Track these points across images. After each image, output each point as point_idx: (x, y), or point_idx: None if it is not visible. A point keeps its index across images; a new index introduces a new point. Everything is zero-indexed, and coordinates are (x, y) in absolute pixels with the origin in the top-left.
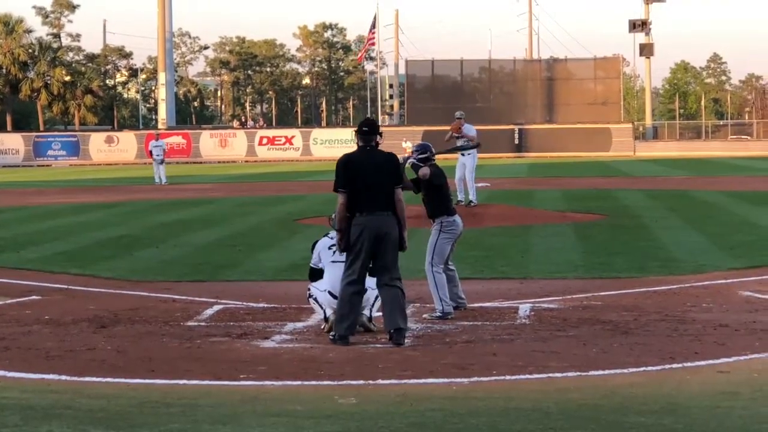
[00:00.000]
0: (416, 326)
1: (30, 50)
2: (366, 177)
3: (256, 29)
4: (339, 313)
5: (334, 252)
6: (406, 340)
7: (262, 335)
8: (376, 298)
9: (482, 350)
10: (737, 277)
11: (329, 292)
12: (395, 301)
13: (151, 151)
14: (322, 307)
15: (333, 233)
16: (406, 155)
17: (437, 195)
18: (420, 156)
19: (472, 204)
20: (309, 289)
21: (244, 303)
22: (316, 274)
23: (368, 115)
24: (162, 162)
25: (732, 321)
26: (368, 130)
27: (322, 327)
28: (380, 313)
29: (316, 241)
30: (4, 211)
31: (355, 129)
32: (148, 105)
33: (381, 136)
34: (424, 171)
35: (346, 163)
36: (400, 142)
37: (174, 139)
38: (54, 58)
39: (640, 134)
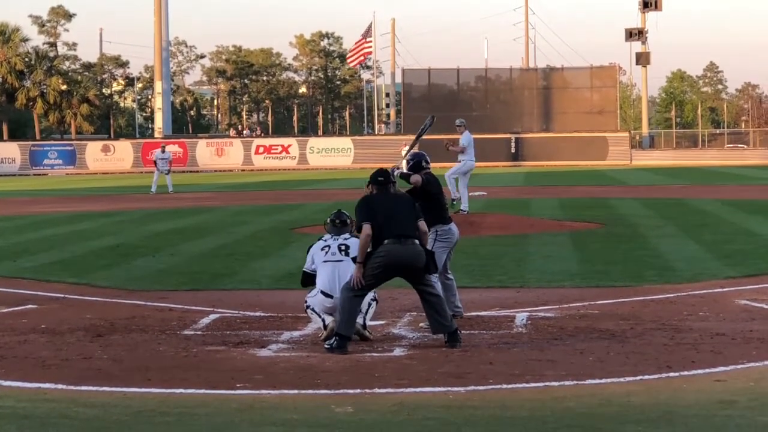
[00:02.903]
0: (413, 335)
1: (26, 59)
2: (387, 210)
3: (253, 38)
4: (340, 316)
5: (327, 252)
6: (404, 349)
7: (259, 344)
8: (369, 305)
9: (479, 359)
10: (734, 286)
11: (322, 291)
12: (435, 310)
13: (155, 161)
14: (320, 316)
15: (327, 236)
16: (396, 165)
17: (432, 203)
18: (412, 165)
19: (462, 212)
20: (306, 301)
21: (241, 312)
22: (309, 279)
23: (364, 124)
24: (168, 172)
25: (729, 330)
26: (384, 180)
27: (320, 336)
28: (371, 322)
29: (311, 245)
30: (1, 220)
31: (368, 182)
32: (144, 114)
33: (395, 184)
34: (416, 178)
35: (365, 199)
36: (399, 150)
37: (170, 148)
38: (50, 66)
39: (637, 143)
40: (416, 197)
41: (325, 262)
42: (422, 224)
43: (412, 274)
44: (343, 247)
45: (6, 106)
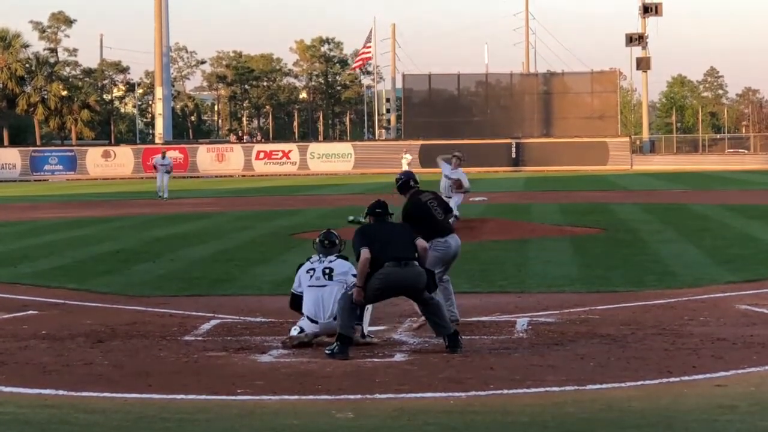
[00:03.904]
0: (413, 340)
1: (27, 65)
2: (385, 237)
3: (253, 44)
4: (340, 318)
5: (312, 276)
6: (400, 356)
7: (260, 350)
8: (365, 309)
9: (479, 364)
10: (734, 291)
11: (307, 317)
12: (434, 314)
13: (155, 166)
14: (299, 326)
15: (314, 257)
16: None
17: (422, 225)
18: (401, 184)
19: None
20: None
21: (241, 317)
22: (296, 301)
23: (365, 129)
24: (168, 172)
25: (729, 334)
26: (381, 212)
27: (285, 338)
28: (371, 327)
29: (300, 265)
30: (1, 225)
31: (366, 212)
32: (145, 119)
33: (392, 215)
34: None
35: (362, 228)
36: (399, 155)
37: (171, 154)
38: (51, 72)
39: (637, 148)
40: (406, 221)
41: (309, 287)
42: (420, 242)
43: (412, 294)
44: (327, 271)
45: (7, 112)
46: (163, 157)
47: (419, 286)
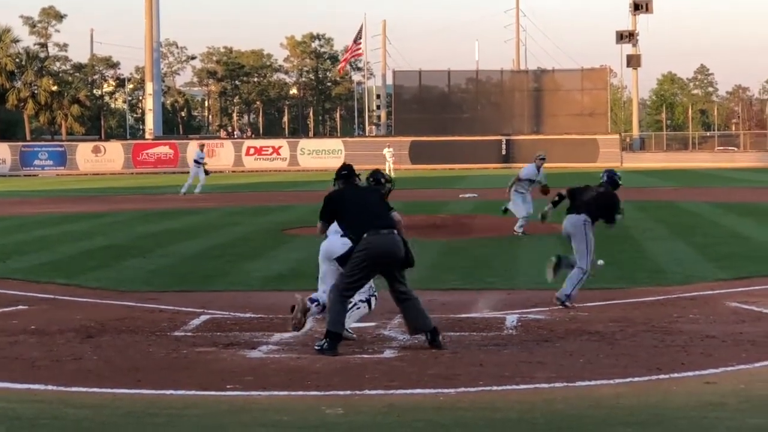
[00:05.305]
0: (403, 337)
1: (17, 60)
2: (359, 202)
3: (244, 39)
4: (329, 314)
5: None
6: (386, 351)
7: (249, 345)
8: (356, 306)
9: (469, 361)
10: (724, 288)
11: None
12: (416, 308)
13: (197, 161)
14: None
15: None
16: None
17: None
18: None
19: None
20: None
21: (231, 313)
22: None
23: (355, 125)
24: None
25: (719, 332)
26: (347, 173)
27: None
28: (361, 324)
29: None
30: None
31: (334, 177)
32: (135, 115)
33: (359, 177)
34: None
35: (331, 195)
36: (383, 150)
37: (161, 149)
38: (41, 67)
39: (627, 145)
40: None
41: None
42: (396, 214)
43: (394, 265)
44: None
45: None
46: (202, 150)
47: (400, 255)
